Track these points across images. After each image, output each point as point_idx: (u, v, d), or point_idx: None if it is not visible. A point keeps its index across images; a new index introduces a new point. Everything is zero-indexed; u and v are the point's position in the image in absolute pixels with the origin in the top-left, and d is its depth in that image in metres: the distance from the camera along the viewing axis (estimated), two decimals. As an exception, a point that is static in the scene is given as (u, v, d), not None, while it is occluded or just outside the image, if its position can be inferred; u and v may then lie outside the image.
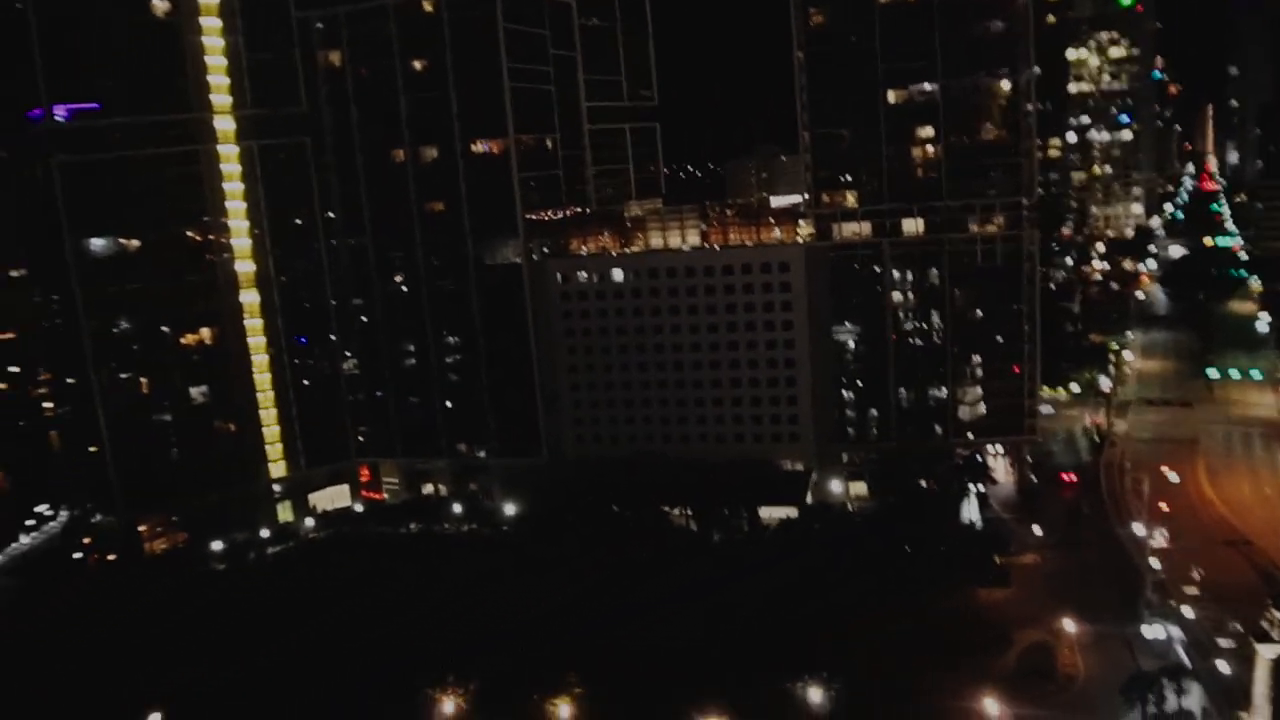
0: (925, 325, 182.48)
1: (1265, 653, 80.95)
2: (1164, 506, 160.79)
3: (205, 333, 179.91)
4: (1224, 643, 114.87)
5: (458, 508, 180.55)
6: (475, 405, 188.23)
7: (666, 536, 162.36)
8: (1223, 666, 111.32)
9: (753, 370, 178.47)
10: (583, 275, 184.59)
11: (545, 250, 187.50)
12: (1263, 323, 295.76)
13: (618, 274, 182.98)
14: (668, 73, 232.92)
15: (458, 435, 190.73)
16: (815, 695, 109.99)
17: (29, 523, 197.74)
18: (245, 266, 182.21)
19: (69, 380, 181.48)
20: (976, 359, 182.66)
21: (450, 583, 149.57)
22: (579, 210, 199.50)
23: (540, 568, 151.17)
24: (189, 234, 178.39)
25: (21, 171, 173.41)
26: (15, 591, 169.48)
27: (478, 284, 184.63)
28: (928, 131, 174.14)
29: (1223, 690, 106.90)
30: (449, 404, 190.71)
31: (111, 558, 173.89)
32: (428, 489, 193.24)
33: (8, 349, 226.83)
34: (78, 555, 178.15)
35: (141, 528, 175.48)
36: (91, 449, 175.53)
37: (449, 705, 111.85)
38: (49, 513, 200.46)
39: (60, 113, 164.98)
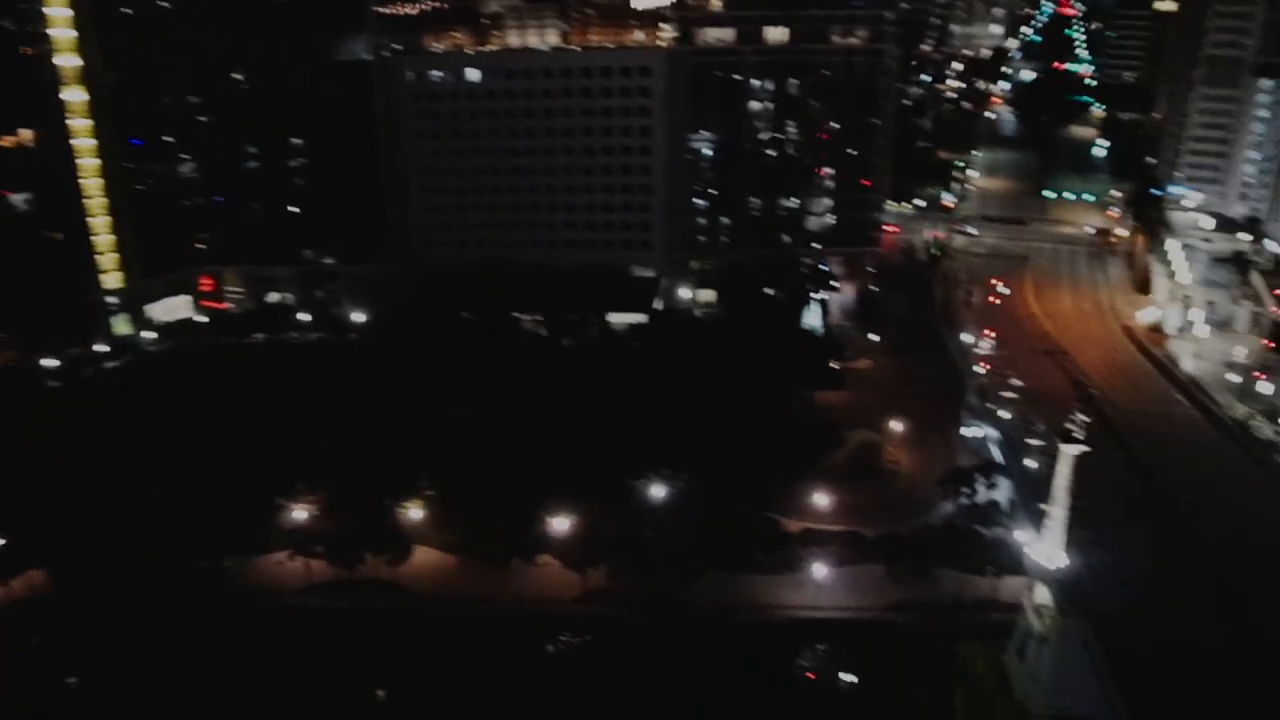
0: (781, 135, 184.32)
1: (1067, 451, 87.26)
2: (991, 317, 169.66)
3: (24, 134, 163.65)
4: (1033, 442, 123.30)
5: (305, 316, 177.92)
6: (321, 210, 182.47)
7: (517, 341, 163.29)
8: (1030, 463, 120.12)
9: (607, 176, 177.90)
10: (436, 74, 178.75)
11: (397, 47, 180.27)
12: (1100, 148, 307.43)
13: (473, 74, 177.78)
14: None
15: (304, 241, 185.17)
16: (659, 490, 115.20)
17: None
18: (69, 61, 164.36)
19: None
20: (829, 171, 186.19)
21: (300, 392, 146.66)
22: (433, 5, 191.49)
23: (390, 374, 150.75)
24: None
25: None
26: None
27: (324, 82, 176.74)
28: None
29: (1028, 484, 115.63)
30: (294, 208, 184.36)
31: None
32: (273, 298, 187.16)
33: None
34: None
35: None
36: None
37: (301, 513, 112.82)
38: None
39: None
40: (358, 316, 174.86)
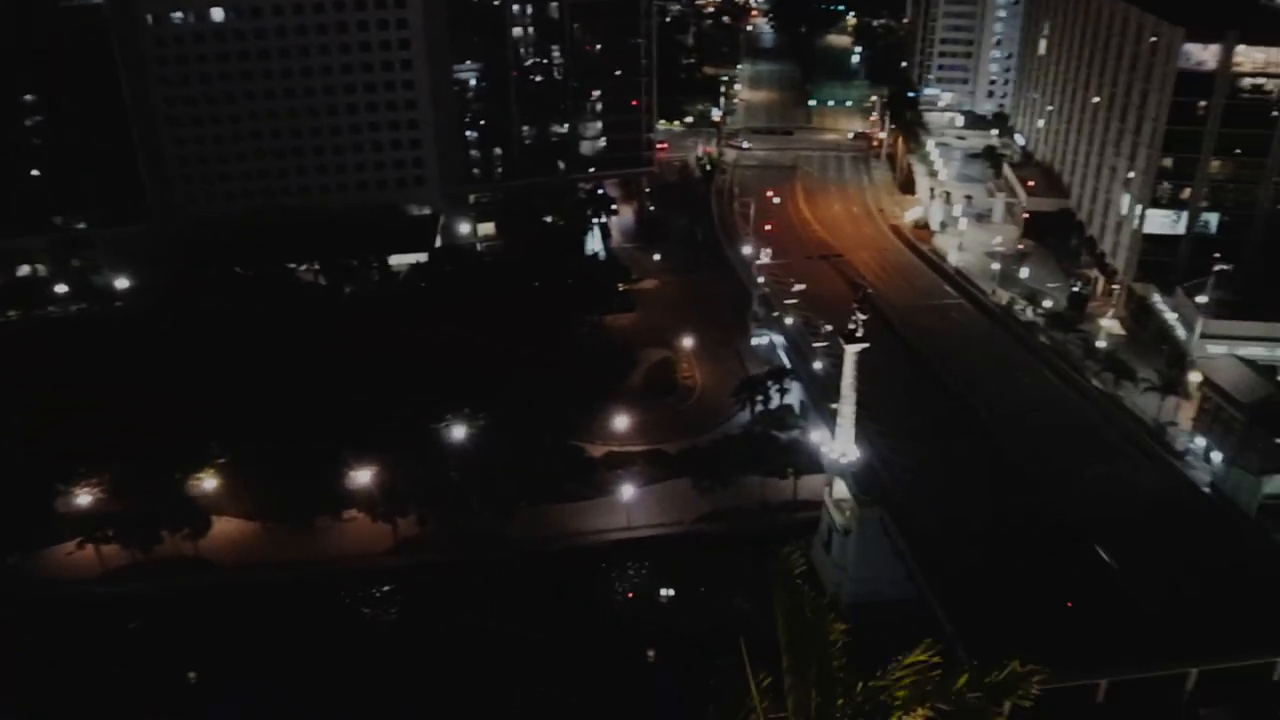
0: (546, 61, 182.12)
1: (850, 350, 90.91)
2: (768, 228, 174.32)
3: None
4: (818, 345, 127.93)
5: (63, 288, 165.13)
6: (68, 171, 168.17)
7: (295, 294, 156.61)
8: (817, 365, 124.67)
9: (372, 114, 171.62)
10: (177, 16, 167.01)
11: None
12: (856, 55, 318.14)
13: (217, 13, 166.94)
14: None
15: (52, 206, 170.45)
16: (459, 431, 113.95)
17: None
18: None
19: None
20: (596, 94, 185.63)
21: (65, 371, 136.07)
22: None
23: (163, 342, 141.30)
24: None
25: None
26: None
27: (53, 30, 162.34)
28: None
29: (818, 385, 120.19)
30: (35, 172, 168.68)
31: None
32: (24, 271, 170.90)
33: None
34: None
35: None
36: None
37: (85, 498, 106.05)
38: None
39: None
40: (122, 283, 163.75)
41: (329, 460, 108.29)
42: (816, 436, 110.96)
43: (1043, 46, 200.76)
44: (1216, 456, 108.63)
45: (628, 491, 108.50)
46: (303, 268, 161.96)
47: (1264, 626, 78.18)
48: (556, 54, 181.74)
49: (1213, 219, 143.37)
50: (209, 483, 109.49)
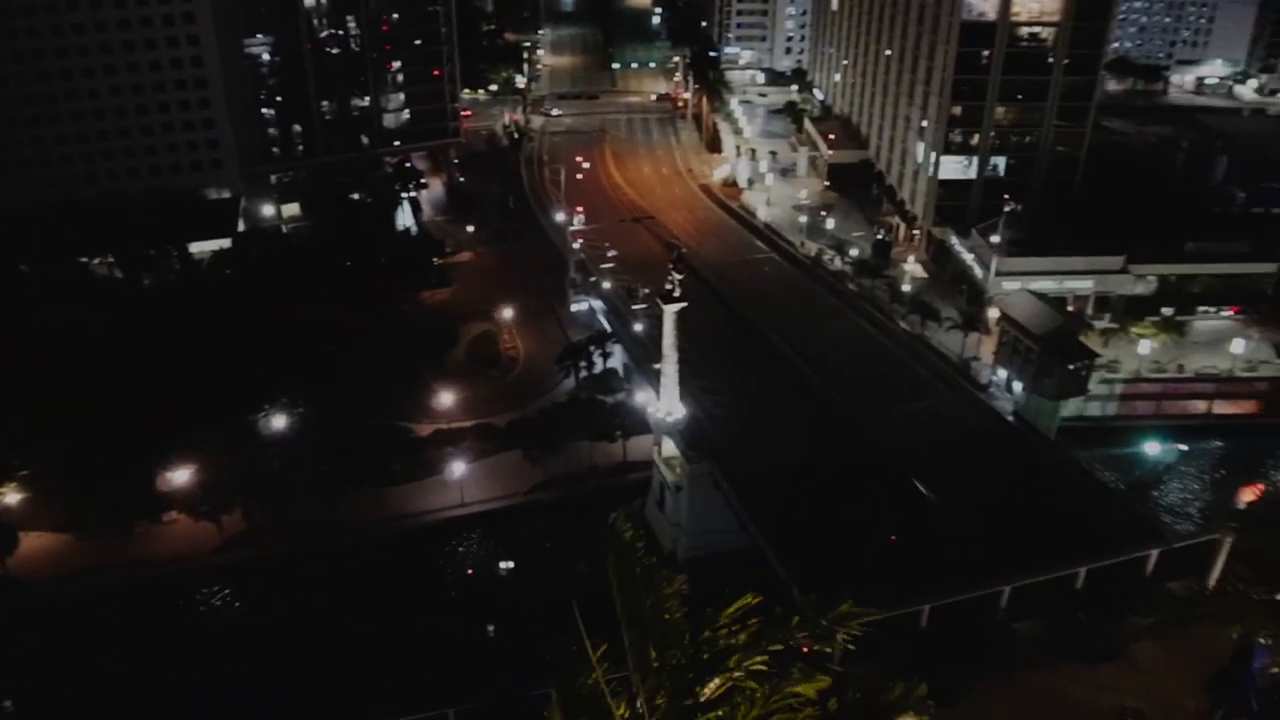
0: (342, 32, 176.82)
1: (669, 310, 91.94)
2: (580, 193, 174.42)
3: None
4: (637, 307, 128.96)
5: None
6: None
7: (88, 289, 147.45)
8: (638, 327, 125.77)
9: (160, 93, 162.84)
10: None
11: None
12: (656, 16, 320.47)
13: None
14: None
15: None
16: (279, 421, 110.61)
17: None
18: None
19: None
20: (397, 65, 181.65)
21: None
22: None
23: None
24: None
25: None
26: None
27: None
28: None
29: (639, 347, 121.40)
30: None
31: None
32: None
33: None
34: None
35: None
36: None
37: None
38: None
39: None
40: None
41: (139, 462, 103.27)
42: (641, 397, 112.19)
43: (835, 2, 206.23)
44: (1017, 386, 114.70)
45: (459, 468, 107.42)
46: (95, 261, 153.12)
47: (1066, 541, 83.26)
48: (352, 24, 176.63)
49: (1000, 162, 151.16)
50: (11, 497, 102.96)
